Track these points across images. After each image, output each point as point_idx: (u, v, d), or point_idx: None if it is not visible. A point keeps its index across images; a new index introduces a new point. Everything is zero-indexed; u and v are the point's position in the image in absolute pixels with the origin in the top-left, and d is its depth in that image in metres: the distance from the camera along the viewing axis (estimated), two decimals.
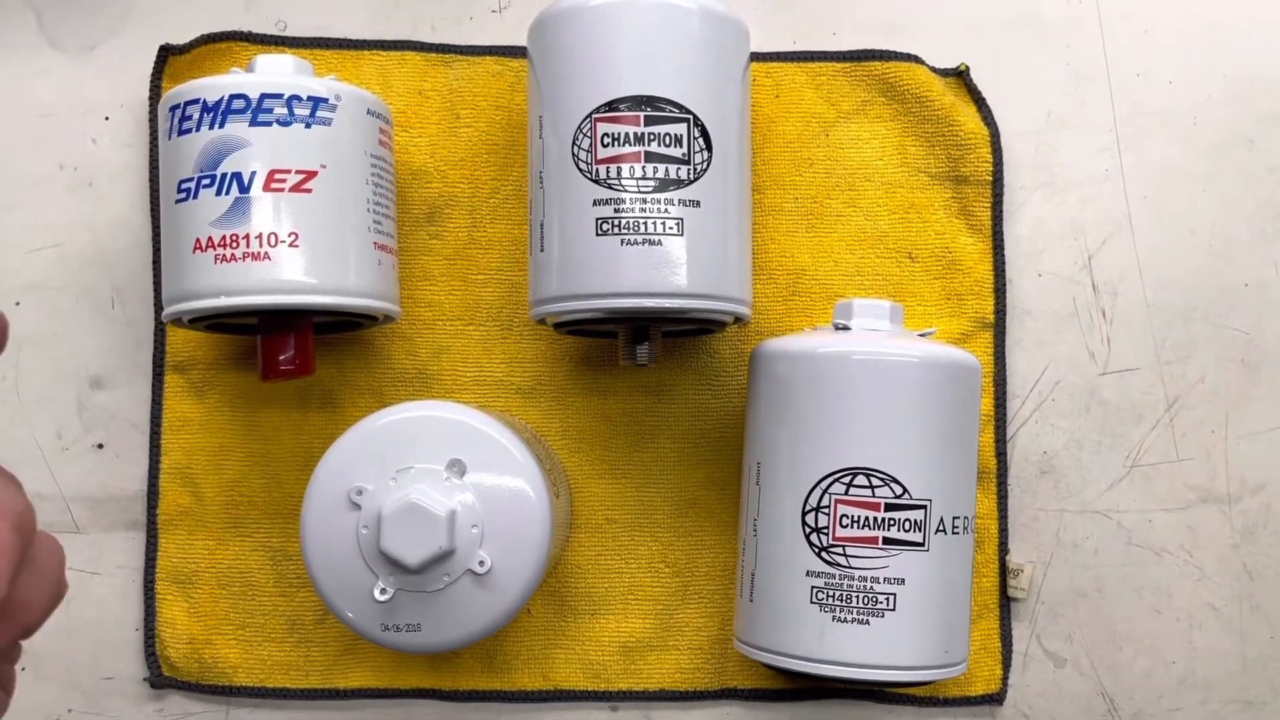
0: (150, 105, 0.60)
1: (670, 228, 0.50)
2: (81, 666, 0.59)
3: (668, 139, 0.50)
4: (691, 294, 0.50)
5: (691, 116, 0.50)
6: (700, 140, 0.50)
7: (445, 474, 0.48)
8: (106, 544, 0.60)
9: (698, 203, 0.50)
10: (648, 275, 0.50)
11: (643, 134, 0.50)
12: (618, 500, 0.60)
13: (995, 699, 0.59)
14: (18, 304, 0.60)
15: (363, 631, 0.49)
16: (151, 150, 0.60)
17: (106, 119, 0.61)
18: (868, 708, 0.59)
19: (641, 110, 0.50)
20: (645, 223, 0.50)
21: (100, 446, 0.60)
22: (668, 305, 0.50)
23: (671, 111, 0.50)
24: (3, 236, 0.60)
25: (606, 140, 0.50)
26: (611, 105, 0.50)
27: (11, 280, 0.60)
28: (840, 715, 0.59)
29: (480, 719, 0.59)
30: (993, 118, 0.60)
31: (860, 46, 0.61)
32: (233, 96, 0.50)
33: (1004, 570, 0.59)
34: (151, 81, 0.60)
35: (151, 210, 0.60)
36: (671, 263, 0.50)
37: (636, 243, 0.50)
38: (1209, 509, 0.60)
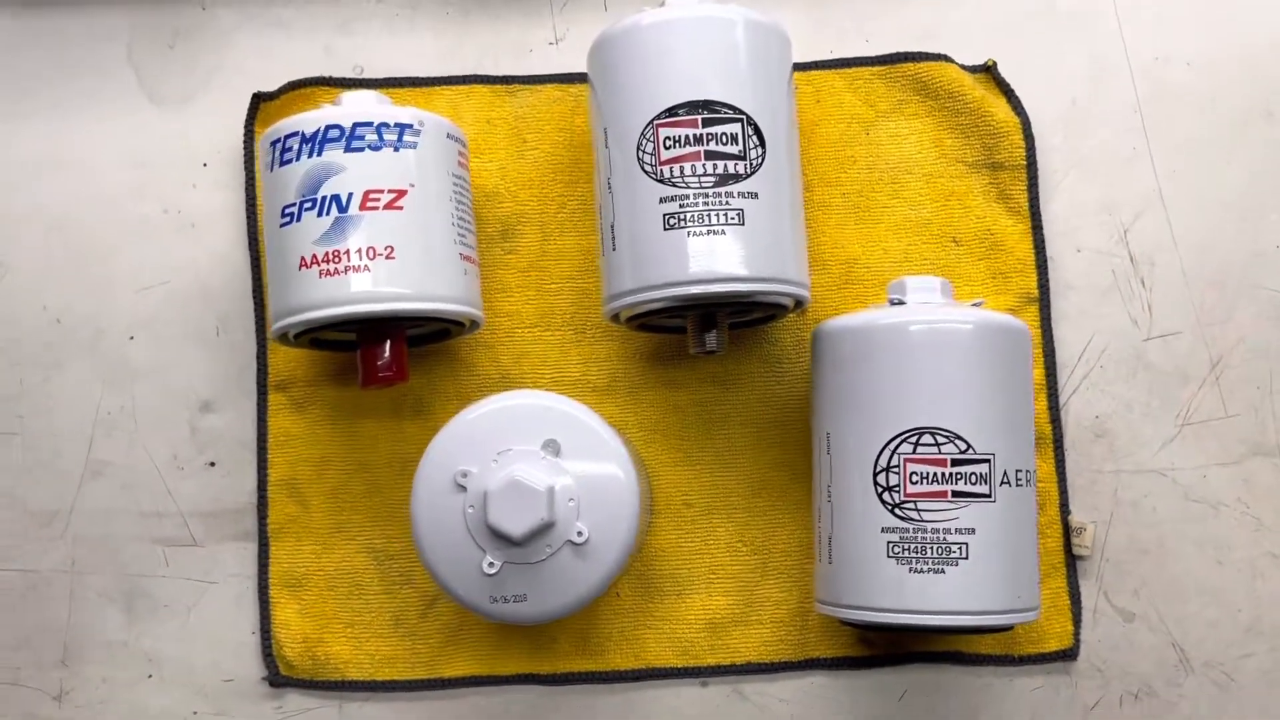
0: (245, 149, 0.66)
1: (732, 218, 0.54)
2: (203, 670, 0.63)
3: (725, 137, 0.54)
4: (754, 278, 0.54)
5: (745, 116, 0.55)
6: (754, 138, 0.55)
7: (542, 453, 0.52)
8: (221, 554, 0.64)
9: (755, 194, 0.54)
10: (714, 263, 0.54)
11: (701, 135, 0.54)
12: (694, 486, 0.63)
13: (1069, 654, 0.61)
14: (131, 339, 0.66)
15: (473, 605, 0.52)
16: (248, 191, 0.66)
17: (205, 165, 0.67)
18: (947, 670, 0.62)
19: (699, 114, 0.54)
20: (709, 214, 0.54)
21: (212, 465, 0.65)
22: (733, 289, 0.54)
23: (726, 113, 0.54)
24: (114, 277, 0.66)
25: (668, 143, 0.54)
26: (671, 111, 0.54)
27: (124, 317, 0.66)
28: (921, 678, 0.62)
29: (577, 701, 0.62)
30: (1022, 107, 0.64)
31: (892, 50, 0.65)
32: (329, 127, 0.56)
33: (1067, 529, 0.62)
34: (246, 126, 0.66)
35: (250, 244, 0.65)
36: (735, 250, 0.54)
37: (701, 234, 0.54)
38: (1261, 461, 0.62)
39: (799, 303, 0.58)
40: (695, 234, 0.54)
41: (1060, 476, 0.62)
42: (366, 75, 0.67)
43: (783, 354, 0.64)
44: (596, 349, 0.64)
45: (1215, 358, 0.63)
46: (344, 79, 0.66)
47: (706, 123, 0.54)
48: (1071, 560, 0.62)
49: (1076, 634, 0.61)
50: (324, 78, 0.66)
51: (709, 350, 0.58)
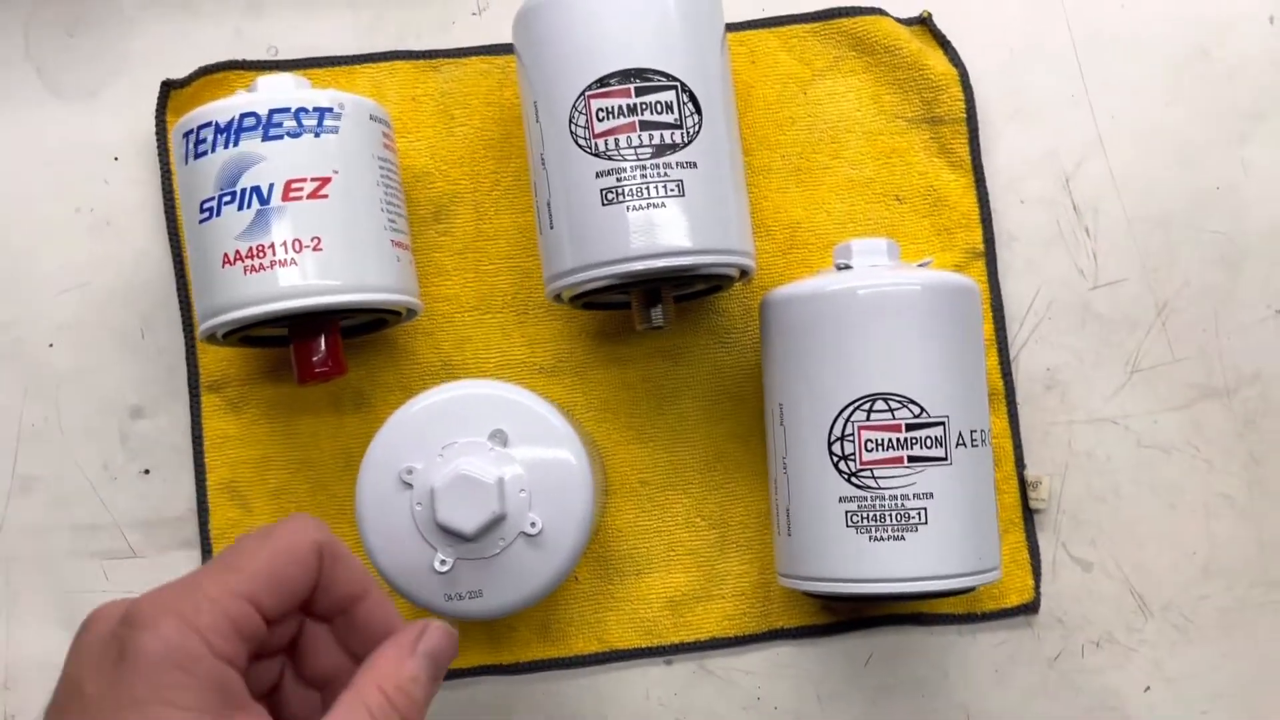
0: (158, 140, 0.63)
1: (671, 190, 0.52)
2: None
3: (659, 106, 0.53)
4: (697, 250, 0.53)
5: (679, 83, 0.53)
6: (690, 105, 0.53)
7: (489, 445, 0.50)
8: (164, 564, 0.62)
9: (694, 164, 0.53)
10: (655, 237, 0.52)
11: (635, 104, 0.52)
12: (648, 463, 0.62)
13: (1030, 608, 0.61)
14: (51, 345, 0.63)
15: (426, 604, 0.51)
16: (164, 184, 0.63)
17: (116, 159, 0.64)
18: (909, 632, 0.61)
19: (631, 83, 0.52)
20: (647, 188, 0.52)
21: (147, 472, 0.62)
22: (677, 264, 0.53)
23: (660, 81, 0.53)
24: (31, 281, 0.63)
25: (601, 115, 0.52)
26: (602, 81, 0.52)
27: (43, 322, 0.63)
28: (885, 642, 0.61)
29: (541, 689, 0.61)
30: (959, 58, 0.63)
31: (824, 4, 0.64)
32: (243, 115, 0.53)
33: (1023, 484, 0.62)
34: (157, 117, 0.63)
35: (170, 240, 0.62)
36: (676, 223, 0.52)
37: (641, 208, 0.52)
38: (1210, 403, 0.62)
39: (744, 272, 0.57)
40: (635, 208, 0.52)
41: (1014, 432, 0.62)
42: (281, 57, 0.64)
43: (730, 324, 0.63)
44: (540, 330, 0.63)
45: (1161, 303, 0.63)
46: (258, 62, 0.63)
47: (640, 91, 0.52)
48: (1029, 514, 0.62)
49: (1037, 587, 0.61)
50: (237, 61, 0.63)
51: (655, 326, 0.57)
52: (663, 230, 0.52)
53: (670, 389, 0.62)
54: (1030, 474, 0.62)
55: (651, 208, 0.52)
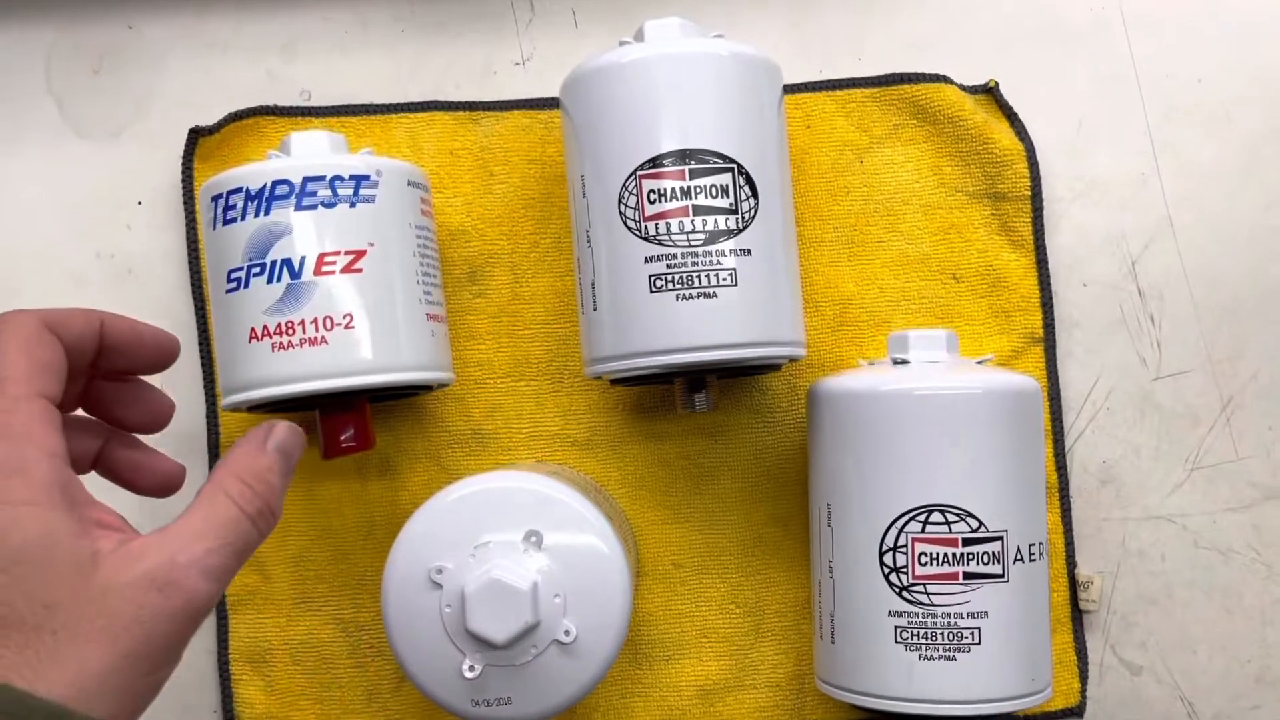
0: (184, 188, 0.60)
1: (724, 279, 0.50)
2: None
3: (714, 190, 0.50)
4: (749, 343, 0.50)
5: (735, 165, 0.50)
6: (746, 188, 0.50)
7: (523, 546, 0.48)
8: None
9: (749, 251, 0.50)
10: (705, 328, 0.50)
11: (688, 187, 0.49)
12: (682, 545, 0.60)
13: (1075, 712, 0.59)
14: None
15: (454, 708, 0.49)
16: (188, 232, 0.60)
17: (140, 204, 0.61)
18: None
19: (685, 164, 0.49)
20: (699, 276, 0.50)
21: None
22: (727, 357, 0.50)
23: (715, 162, 0.50)
24: None
25: (653, 196, 0.50)
26: (655, 161, 0.50)
27: None
28: None
29: None
30: (1026, 132, 0.60)
31: (885, 68, 0.61)
32: (276, 183, 0.50)
33: (1074, 584, 0.59)
34: (183, 164, 0.60)
35: (194, 293, 0.60)
36: (728, 314, 0.50)
37: (692, 296, 0.50)
38: (1272, 505, 0.60)
39: (793, 358, 0.54)
40: (685, 297, 0.50)
41: (1066, 527, 0.59)
42: (315, 103, 0.61)
43: (774, 403, 0.60)
44: (575, 400, 0.60)
45: (1226, 397, 0.60)
46: (289, 108, 0.60)
47: (694, 174, 0.50)
48: (1078, 615, 0.59)
49: (1083, 690, 0.59)
50: (268, 106, 0.60)
51: (699, 411, 0.54)
52: (713, 322, 0.50)
53: (709, 468, 0.60)
54: (1081, 573, 0.59)
55: (703, 297, 0.50)
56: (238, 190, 0.50)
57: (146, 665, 0.34)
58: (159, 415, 0.45)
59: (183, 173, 0.60)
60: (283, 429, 0.40)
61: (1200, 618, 0.60)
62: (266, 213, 0.50)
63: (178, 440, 0.60)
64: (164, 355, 0.43)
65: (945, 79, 0.60)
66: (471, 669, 0.47)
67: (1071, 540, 0.59)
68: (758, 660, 0.59)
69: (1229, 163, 0.61)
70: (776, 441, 0.60)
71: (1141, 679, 0.59)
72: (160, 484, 0.44)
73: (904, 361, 0.52)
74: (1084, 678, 0.59)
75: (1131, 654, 0.60)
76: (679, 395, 0.55)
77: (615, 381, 0.56)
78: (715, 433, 0.60)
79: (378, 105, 0.61)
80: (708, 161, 0.50)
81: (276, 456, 0.40)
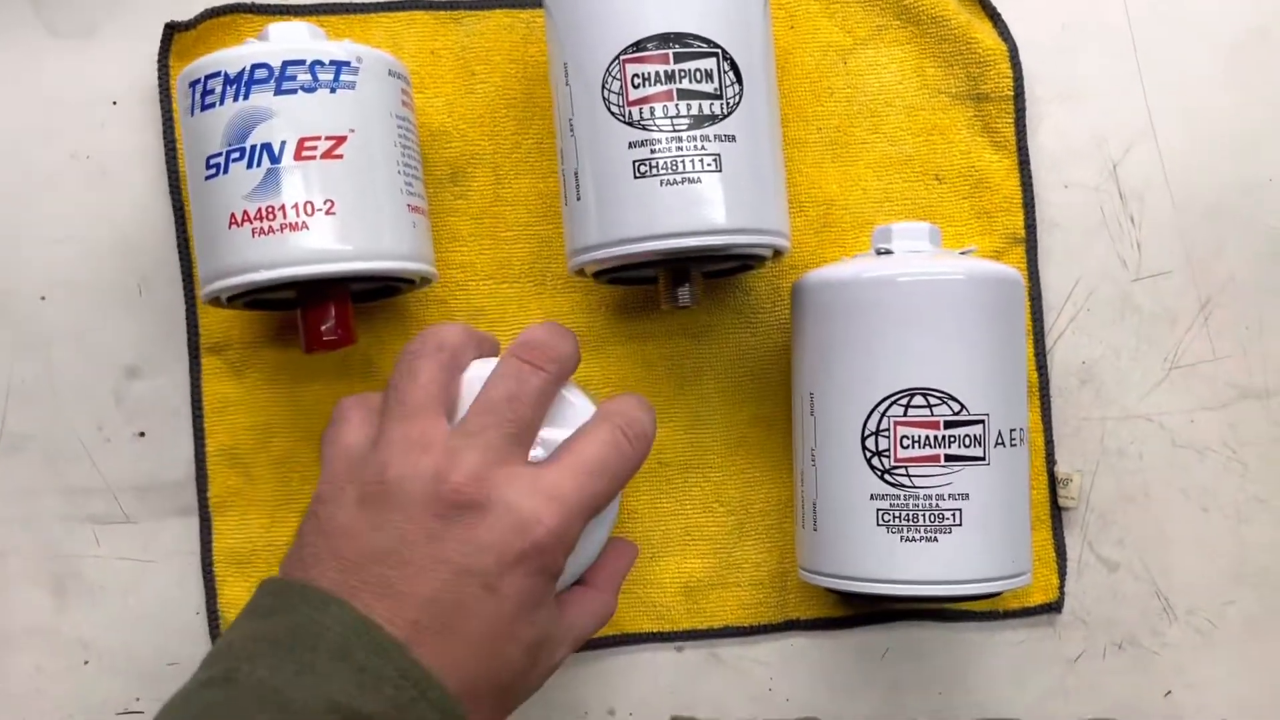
0: (160, 86, 0.59)
1: (708, 164, 0.49)
2: (145, 656, 0.59)
3: (698, 74, 0.49)
4: (733, 229, 0.50)
5: (720, 50, 0.50)
6: (731, 74, 0.50)
7: None
8: (159, 532, 0.59)
9: (733, 137, 0.50)
10: (689, 215, 0.49)
11: (673, 71, 0.49)
12: (668, 443, 0.60)
13: (1054, 607, 0.60)
14: (43, 299, 0.60)
15: None
16: (165, 132, 0.59)
17: (115, 104, 0.60)
18: (929, 628, 0.60)
19: (670, 48, 0.49)
20: (682, 161, 0.49)
21: (142, 435, 0.60)
22: (711, 243, 0.50)
23: (700, 47, 0.49)
24: (22, 232, 0.60)
25: (637, 81, 0.49)
26: (639, 45, 0.49)
27: (35, 275, 0.60)
28: (903, 637, 0.60)
29: None
30: (1009, 32, 0.60)
31: None
32: (255, 66, 0.49)
33: (1053, 481, 0.60)
34: (159, 61, 0.59)
35: (172, 192, 0.59)
36: (712, 200, 0.49)
37: (675, 182, 0.49)
38: (1249, 404, 0.60)
39: (778, 252, 0.54)
40: (669, 182, 0.49)
41: (1046, 426, 0.60)
42: (293, 1, 0.60)
43: (758, 304, 0.60)
44: (558, 302, 0.60)
45: (1205, 298, 0.61)
46: (268, 5, 0.59)
47: (679, 58, 0.49)
48: (1057, 512, 0.60)
49: (1061, 587, 0.60)
50: (245, 4, 0.59)
51: (682, 305, 0.54)
52: (698, 207, 0.49)
53: (692, 369, 0.60)
54: (1061, 471, 0.60)
55: (687, 182, 0.49)
56: (215, 75, 0.50)
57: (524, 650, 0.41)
58: None
59: (159, 70, 0.59)
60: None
61: (1177, 515, 0.60)
62: (245, 97, 0.49)
63: (155, 342, 0.60)
64: None
65: None
66: None
67: (1051, 439, 0.60)
68: (740, 559, 0.60)
69: (1211, 64, 0.61)
70: (759, 343, 0.60)
71: (1118, 575, 0.60)
72: None
73: (888, 251, 0.53)
74: (1062, 574, 0.60)
75: (1109, 551, 0.60)
76: (662, 289, 0.55)
77: (599, 276, 0.56)
78: (698, 334, 0.60)
79: (357, 4, 0.60)
80: (692, 45, 0.49)
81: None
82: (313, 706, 0.33)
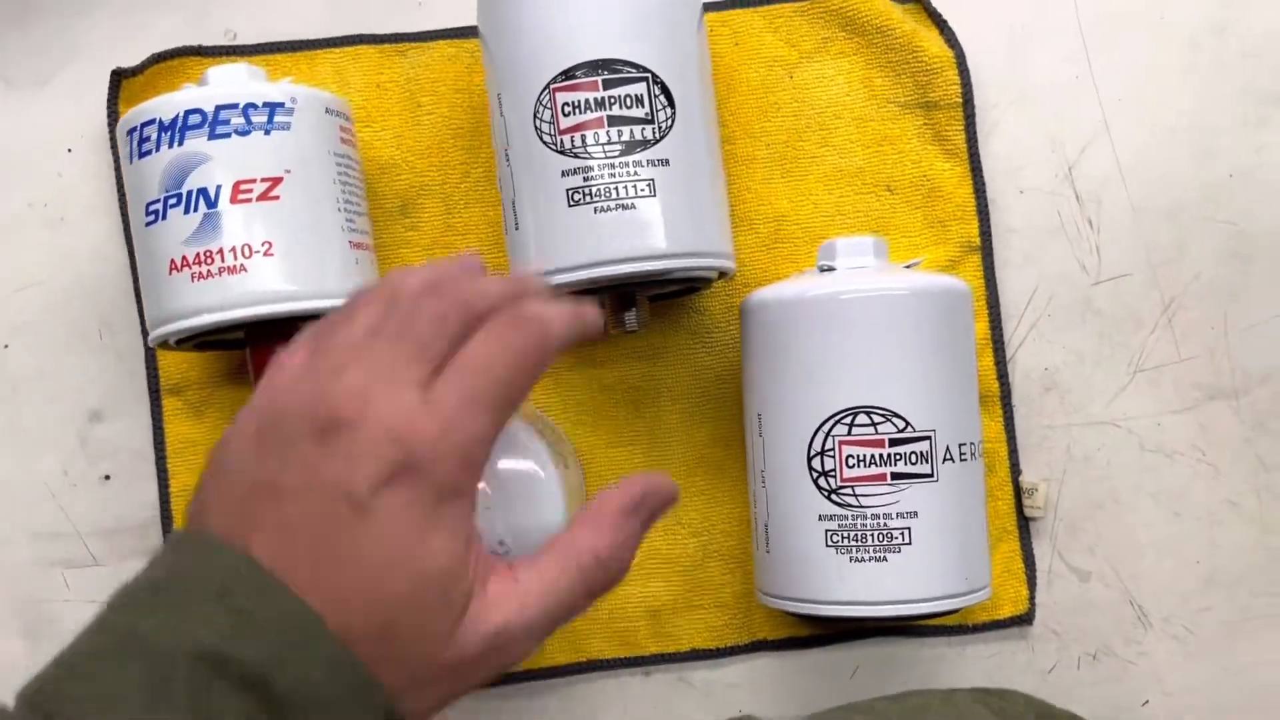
0: (110, 132, 0.60)
1: (642, 189, 0.49)
2: None
3: (628, 100, 0.49)
4: (671, 254, 0.50)
5: (650, 75, 0.49)
6: (662, 98, 0.50)
7: None
8: (126, 573, 0.59)
9: (666, 161, 0.50)
10: (626, 241, 0.49)
11: (602, 98, 0.49)
12: (626, 467, 0.59)
13: (1024, 619, 0.59)
14: (6, 346, 0.60)
15: None
16: (117, 178, 0.60)
17: (70, 151, 0.61)
18: (899, 643, 0.59)
19: (598, 75, 0.49)
20: (616, 188, 0.49)
21: (107, 478, 0.60)
22: (649, 269, 0.50)
23: (629, 72, 0.49)
24: None
25: (567, 109, 0.49)
26: (568, 74, 0.49)
27: None
28: (871, 655, 0.59)
29: (517, 701, 0.60)
30: (956, 39, 0.59)
31: None
32: (188, 112, 0.50)
33: (1018, 491, 0.59)
34: (109, 107, 0.60)
35: (126, 238, 0.60)
36: (648, 225, 0.49)
37: (610, 209, 0.49)
38: (1217, 405, 0.59)
39: (723, 273, 0.54)
40: (603, 209, 0.49)
41: (1010, 436, 0.59)
42: (240, 42, 0.61)
43: (711, 323, 0.60)
44: None
45: (1168, 299, 0.60)
46: (214, 47, 0.60)
47: (608, 84, 0.49)
48: (1024, 522, 0.59)
49: (1031, 598, 0.59)
50: (192, 47, 0.60)
51: (629, 330, 0.54)
52: (634, 233, 0.49)
53: (649, 391, 0.60)
54: (1026, 480, 0.59)
55: (621, 209, 0.49)
56: (151, 122, 0.50)
57: (452, 695, 0.35)
58: None
59: (109, 116, 0.60)
60: (659, 495, 0.39)
61: (1147, 521, 0.59)
62: (180, 143, 0.50)
63: (117, 385, 0.60)
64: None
65: None
66: None
67: (1015, 449, 0.59)
68: (705, 580, 0.59)
69: (1165, 61, 0.60)
70: (715, 362, 0.60)
71: (1090, 584, 0.59)
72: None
73: (831, 269, 0.52)
74: (1032, 585, 0.59)
75: (1079, 560, 0.59)
76: (608, 315, 0.54)
77: None
78: (653, 356, 0.60)
79: (302, 41, 0.60)
80: (621, 71, 0.49)
81: (640, 524, 0.39)
82: (175, 650, 0.30)
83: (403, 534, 0.33)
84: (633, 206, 0.49)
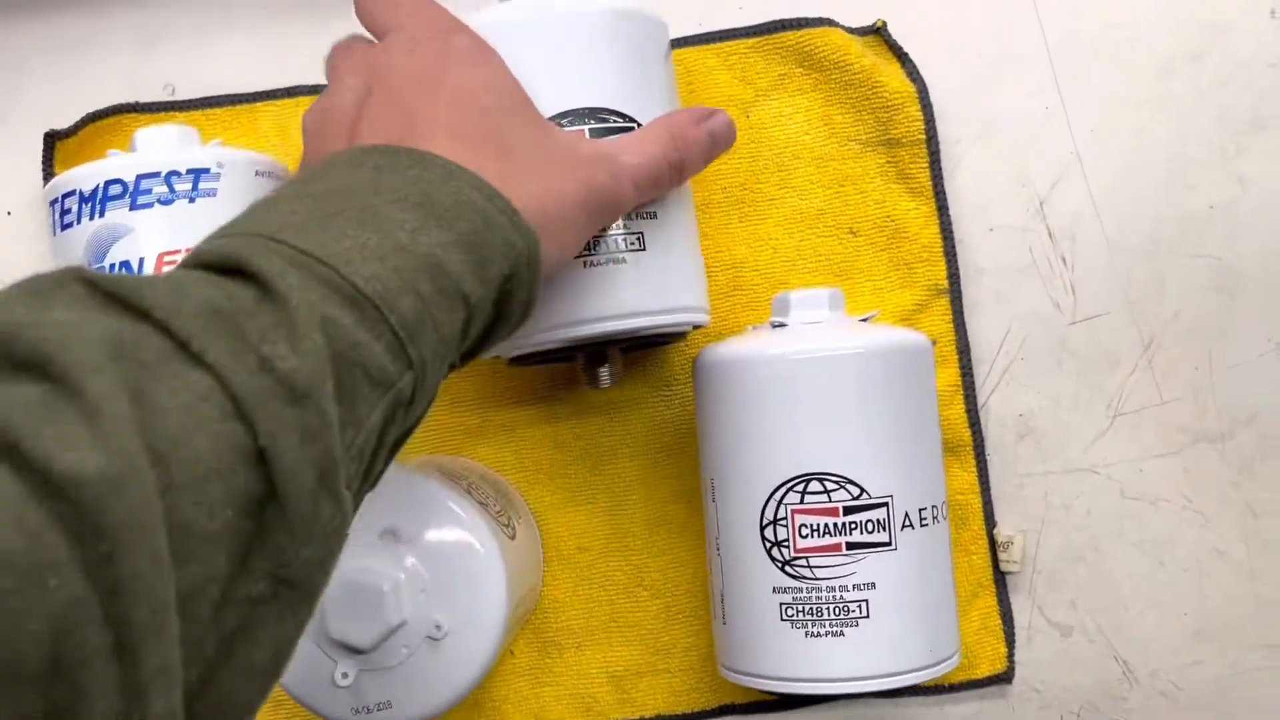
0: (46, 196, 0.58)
1: (633, 244, 0.46)
2: None
3: None
4: (660, 310, 0.47)
5: (636, 124, 0.46)
6: None
7: (380, 542, 0.46)
8: None
9: (654, 214, 0.47)
10: (615, 297, 0.46)
11: None
12: (585, 527, 0.57)
13: (1003, 678, 0.56)
14: None
15: (334, 718, 0.47)
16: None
17: (9, 214, 0.59)
18: (873, 705, 0.57)
19: (585, 124, 0.46)
20: (606, 241, 0.46)
21: None
22: (636, 325, 0.47)
23: (616, 121, 0.46)
24: None
25: None
26: (554, 120, 0.46)
27: None
28: (845, 716, 0.57)
29: None
30: (918, 72, 0.57)
31: (767, 15, 0.58)
32: (109, 182, 0.48)
33: (993, 545, 0.56)
34: (43, 170, 0.58)
35: None
36: (638, 280, 0.46)
37: (600, 263, 0.46)
38: (1202, 449, 0.56)
39: (697, 325, 0.51)
40: (592, 264, 0.46)
41: (984, 487, 0.56)
42: (179, 96, 0.59)
43: (671, 376, 0.57)
44: (463, 387, 0.58)
45: (1147, 338, 0.57)
46: (151, 104, 0.58)
47: (595, 134, 0.46)
48: (1000, 577, 0.56)
49: (1010, 655, 0.56)
50: (127, 104, 0.58)
51: (603, 386, 0.52)
52: (623, 290, 0.46)
53: (607, 447, 0.58)
54: (1001, 534, 0.56)
55: (612, 263, 0.46)
56: (71, 193, 0.49)
57: (583, 224, 0.40)
58: None
59: (44, 179, 0.58)
60: (721, 119, 0.45)
61: (1131, 572, 0.57)
62: (101, 214, 0.48)
63: None
64: None
65: (830, 22, 0.57)
66: (345, 675, 0.46)
67: (989, 500, 0.57)
68: (669, 643, 0.57)
69: (1138, 91, 0.57)
70: (675, 415, 0.57)
71: (1072, 639, 0.57)
72: None
73: (783, 324, 0.50)
74: (1010, 642, 0.56)
75: (1060, 614, 0.57)
76: (581, 372, 0.52)
77: (513, 361, 0.53)
78: (610, 410, 0.58)
79: (242, 95, 0.59)
80: (608, 120, 0.46)
81: (705, 135, 0.44)
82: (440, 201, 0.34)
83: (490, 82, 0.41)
84: (623, 261, 0.46)
